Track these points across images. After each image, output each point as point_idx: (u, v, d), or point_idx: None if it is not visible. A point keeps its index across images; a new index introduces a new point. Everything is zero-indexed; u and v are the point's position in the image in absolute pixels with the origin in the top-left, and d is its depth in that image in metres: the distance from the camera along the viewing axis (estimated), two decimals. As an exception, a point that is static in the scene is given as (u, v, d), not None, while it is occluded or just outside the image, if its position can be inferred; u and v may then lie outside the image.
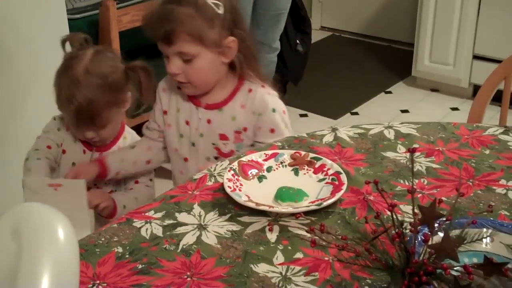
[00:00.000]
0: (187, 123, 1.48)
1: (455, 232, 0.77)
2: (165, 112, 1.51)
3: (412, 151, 0.78)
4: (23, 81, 1.94)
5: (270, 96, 1.48)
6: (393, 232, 0.72)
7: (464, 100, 3.41)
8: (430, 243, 0.73)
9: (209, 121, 1.46)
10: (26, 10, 1.86)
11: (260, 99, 1.47)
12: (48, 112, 1.57)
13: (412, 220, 0.98)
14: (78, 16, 2.14)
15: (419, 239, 0.77)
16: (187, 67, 1.40)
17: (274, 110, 1.48)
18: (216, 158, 1.48)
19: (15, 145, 1.85)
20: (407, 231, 0.78)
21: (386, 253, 0.75)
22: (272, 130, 1.48)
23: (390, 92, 3.57)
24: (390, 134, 1.38)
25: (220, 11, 1.37)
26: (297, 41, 3.16)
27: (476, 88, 3.37)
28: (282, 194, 1.15)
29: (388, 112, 3.29)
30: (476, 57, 3.32)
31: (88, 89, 1.41)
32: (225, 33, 1.39)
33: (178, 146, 1.51)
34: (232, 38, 1.40)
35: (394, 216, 0.74)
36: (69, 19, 2.00)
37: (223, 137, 1.47)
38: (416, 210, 0.77)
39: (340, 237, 0.78)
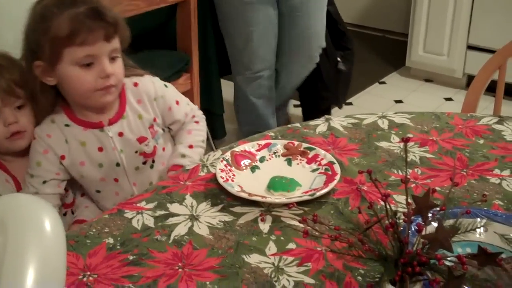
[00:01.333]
0: (100, 149, 1.38)
1: (449, 222, 0.77)
2: (62, 157, 1.37)
3: (405, 140, 0.77)
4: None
5: (154, 78, 1.46)
6: (387, 222, 0.71)
7: (458, 90, 3.40)
8: (423, 233, 0.72)
9: (121, 134, 1.38)
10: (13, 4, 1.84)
11: (148, 85, 1.43)
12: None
13: (406, 210, 0.98)
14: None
15: (413, 229, 0.76)
16: (116, 66, 1.32)
17: (166, 86, 1.47)
18: (144, 163, 1.43)
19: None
20: (401, 221, 0.77)
21: (379, 243, 0.74)
22: (177, 102, 1.47)
23: (384, 83, 3.56)
24: (384, 124, 1.37)
25: None
26: (338, 59, 2.81)
27: (470, 79, 3.37)
28: (275, 184, 1.14)
29: (382, 103, 3.28)
30: (470, 47, 3.32)
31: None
32: None
33: (103, 175, 1.41)
34: None
35: (388, 206, 0.73)
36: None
37: (142, 139, 1.41)
38: (409, 200, 0.76)
39: (333, 227, 0.77)
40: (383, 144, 1.30)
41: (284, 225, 1.05)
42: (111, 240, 1.02)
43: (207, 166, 1.23)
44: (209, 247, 1.00)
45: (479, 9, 3.22)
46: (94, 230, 1.05)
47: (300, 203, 1.08)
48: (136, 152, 1.40)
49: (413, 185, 1.15)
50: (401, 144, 1.29)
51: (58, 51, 1.27)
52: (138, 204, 1.12)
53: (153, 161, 1.44)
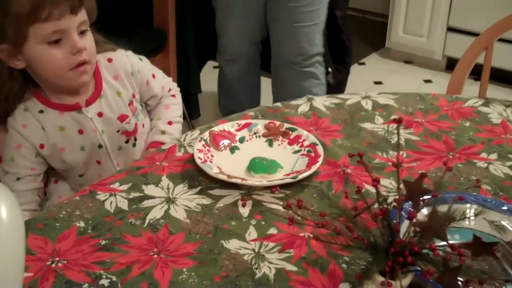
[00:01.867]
0: (81, 132, 1.29)
1: (441, 209, 0.73)
2: (41, 146, 1.28)
3: (398, 121, 0.72)
4: None
5: (127, 52, 1.38)
6: (376, 208, 0.67)
7: (438, 72, 3.38)
8: (415, 220, 0.68)
9: (100, 114, 1.30)
10: None
11: (123, 59, 1.35)
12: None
13: (394, 195, 0.94)
14: None
15: (403, 216, 0.72)
16: (87, 40, 1.22)
17: (141, 59, 1.39)
18: (126, 142, 1.35)
19: None
20: (390, 207, 0.73)
21: (368, 231, 0.70)
22: (153, 75, 1.40)
23: (363, 64, 3.52)
24: (367, 105, 1.33)
25: None
26: (329, 70, 2.51)
27: (450, 61, 3.34)
28: (255, 166, 1.09)
29: (361, 84, 3.24)
30: (450, 29, 3.28)
31: None
32: None
33: (86, 159, 1.32)
34: None
35: (378, 192, 0.69)
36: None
37: (123, 117, 1.32)
38: (400, 186, 0.72)
39: (318, 213, 0.72)
40: (367, 125, 1.26)
41: (265, 209, 1.00)
42: (82, 224, 0.97)
43: (184, 146, 1.17)
44: (186, 232, 0.95)
45: (460, -9, 3.19)
46: (64, 213, 0.99)
47: (281, 186, 1.03)
48: (118, 131, 1.32)
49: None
50: (386, 126, 1.25)
51: (22, 30, 1.17)
52: (111, 186, 1.06)
53: (135, 139, 1.36)
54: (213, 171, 1.06)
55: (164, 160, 1.13)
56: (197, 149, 1.11)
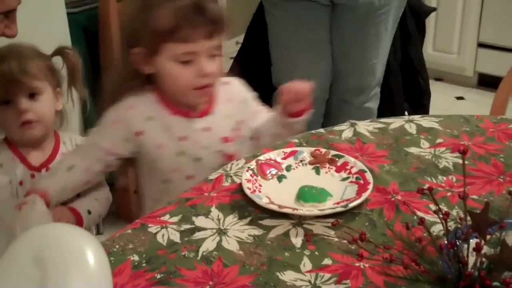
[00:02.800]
0: (182, 139, 1.31)
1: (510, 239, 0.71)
2: (137, 134, 1.31)
3: (463, 152, 0.71)
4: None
5: (241, 80, 1.41)
6: (445, 242, 0.66)
7: (469, 89, 3.35)
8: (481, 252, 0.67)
9: (206, 129, 1.33)
10: (22, 3, 1.79)
11: (237, 86, 1.39)
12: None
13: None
14: (77, 9, 2.05)
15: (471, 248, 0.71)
16: (215, 65, 1.26)
17: (248, 90, 1.42)
18: (222, 165, 1.37)
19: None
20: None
21: (434, 263, 0.69)
22: (259, 111, 1.41)
23: (393, 82, 3.50)
24: (411, 129, 1.32)
25: None
26: (406, 114, 2.36)
27: (482, 77, 3.32)
28: (305, 194, 1.08)
29: (392, 102, 3.22)
30: (480, 45, 3.27)
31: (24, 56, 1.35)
32: None
33: (179, 165, 1.33)
34: None
35: (446, 225, 0.68)
36: (68, 13, 1.93)
37: (226, 139, 1.35)
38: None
39: (382, 246, 0.72)
40: (413, 149, 1.25)
41: (318, 239, 1.00)
42: (136, 257, 0.97)
43: (231, 176, 1.17)
44: (240, 264, 0.95)
45: (489, 6, 3.17)
46: (117, 247, 1.00)
47: (332, 215, 1.03)
48: (218, 151, 1.34)
49: (449, 194, 1.10)
50: (432, 150, 1.24)
51: (157, 45, 1.22)
52: (161, 218, 1.06)
53: None
54: (263, 201, 1.06)
55: (212, 190, 1.13)
56: (245, 179, 1.11)
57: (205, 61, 1.23)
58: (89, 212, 1.40)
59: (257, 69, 2.22)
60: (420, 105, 2.48)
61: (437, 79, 3.49)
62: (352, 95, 2.19)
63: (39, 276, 0.53)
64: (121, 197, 2.37)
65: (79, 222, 1.36)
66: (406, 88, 2.38)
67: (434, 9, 2.56)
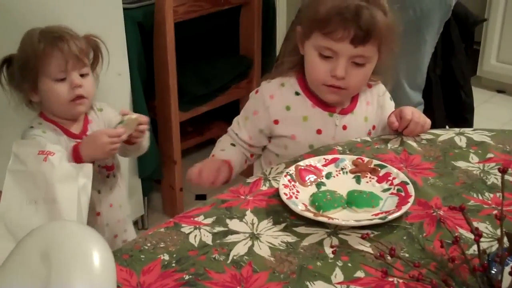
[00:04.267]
0: (319, 131, 1.31)
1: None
2: (276, 122, 1.33)
3: (503, 171, 0.67)
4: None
5: (384, 86, 1.40)
6: (478, 265, 0.62)
7: (533, 103, 3.23)
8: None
9: (344, 127, 1.32)
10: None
11: (378, 91, 1.38)
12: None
13: (490, 241, 0.88)
14: (133, 5, 2.08)
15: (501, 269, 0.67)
16: (354, 72, 1.24)
17: (391, 99, 1.41)
18: None
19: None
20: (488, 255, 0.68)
21: (466, 285, 0.65)
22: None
23: (452, 92, 3.41)
24: (461, 142, 1.27)
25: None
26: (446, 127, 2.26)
27: (546, 91, 3.18)
28: (357, 200, 1.05)
29: (450, 113, 3.13)
30: (547, 57, 3.14)
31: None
32: None
33: None
34: None
35: (478, 245, 0.64)
36: (124, 8, 1.95)
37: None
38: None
39: (412, 264, 0.68)
40: (461, 164, 1.20)
41: (352, 250, 0.96)
42: (166, 257, 0.96)
43: (269, 180, 1.16)
44: (270, 270, 0.93)
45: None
46: (149, 245, 0.99)
47: (369, 227, 1.00)
48: None
49: (495, 212, 1.05)
50: (481, 165, 1.19)
51: (309, 30, 1.25)
52: (196, 219, 1.06)
53: None
54: (298, 208, 1.03)
55: (249, 193, 1.12)
56: (283, 184, 1.09)
57: (342, 64, 1.22)
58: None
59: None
60: (462, 120, 2.34)
61: (499, 91, 3.38)
62: None
63: (45, 273, 0.53)
64: (167, 194, 2.39)
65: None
66: (447, 101, 2.29)
67: (484, 20, 2.42)
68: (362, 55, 1.22)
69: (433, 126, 1.78)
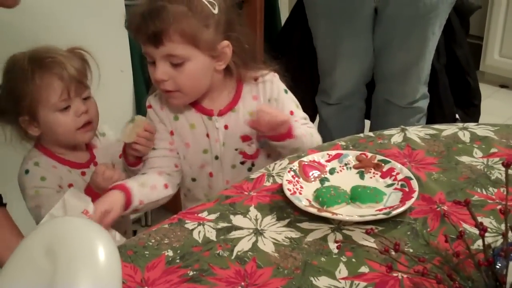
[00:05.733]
0: (208, 136, 1.31)
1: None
2: (171, 133, 1.32)
3: (507, 165, 0.67)
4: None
5: (276, 78, 1.36)
6: (483, 259, 0.62)
7: (536, 97, 3.22)
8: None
9: (226, 127, 1.31)
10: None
11: (270, 84, 1.34)
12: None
13: (495, 235, 0.88)
14: (135, 2, 2.07)
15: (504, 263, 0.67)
16: (177, 73, 1.22)
17: (286, 91, 1.37)
18: (242, 163, 1.34)
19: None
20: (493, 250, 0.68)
21: (470, 280, 0.65)
22: (291, 112, 1.35)
23: (455, 87, 3.40)
24: (465, 137, 1.27)
25: (215, 11, 1.21)
26: (457, 117, 2.25)
27: (550, 86, 3.18)
28: (361, 195, 1.05)
29: (453, 108, 3.13)
30: (550, 52, 3.13)
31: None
32: (220, 36, 1.24)
33: (204, 162, 1.34)
34: (226, 42, 1.24)
35: (483, 240, 0.64)
36: (126, 5, 1.94)
37: (245, 138, 1.32)
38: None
39: (417, 258, 0.68)
40: (465, 158, 1.19)
41: (356, 246, 0.96)
42: (170, 253, 0.96)
43: (273, 176, 1.16)
44: (274, 266, 0.93)
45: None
46: (153, 241, 0.99)
47: (373, 222, 1.00)
48: (236, 149, 1.33)
49: (499, 207, 1.04)
50: (485, 160, 1.19)
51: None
52: (199, 214, 1.06)
53: (253, 164, 1.35)
54: (302, 203, 1.03)
55: (252, 189, 1.12)
56: (286, 180, 1.09)
57: (157, 67, 1.22)
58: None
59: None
60: (472, 106, 2.31)
61: (502, 86, 3.37)
62: (396, 97, 2.12)
63: (50, 268, 0.53)
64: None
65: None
66: (455, 89, 2.26)
67: (478, 7, 2.41)
68: (171, 54, 1.20)
69: (442, 115, 1.78)
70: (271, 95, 1.34)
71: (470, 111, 2.28)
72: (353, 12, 1.99)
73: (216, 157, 1.32)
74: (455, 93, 2.24)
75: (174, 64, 1.22)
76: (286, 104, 1.35)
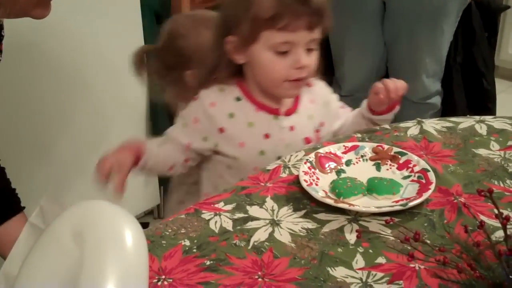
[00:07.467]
0: (267, 136, 1.28)
1: None
2: (221, 130, 1.28)
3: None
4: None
5: (322, 82, 1.38)
6: (505, 249, 0.62)
7: (551, 93, 3.20)
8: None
9: (292, 128, 1.30)
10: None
11: (320, 88, 1.36)
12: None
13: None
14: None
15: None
16: (310, 58, 1.22)
17: (331, 92, 1.39)
18: None
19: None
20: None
21: (491, 269, 0.65)
22: (342, 106, 1.40)
23: (469, 82, 3.39)
24: (482, 129, 1.26)
25: None
26: None
27: None
28: (378, 187, 1.05)
29: (467, 103, 3.12)
30: None
31: None
32: None
33: (260, 164, 1.26)
34: None
35: (505, 229, 0.64)
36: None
37: (307, 140, 1.31)
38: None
39: (437, 247, 0.68)
40: (482, 151, 1.19)
41: (373, 237, 0.96)
42: (187, 242, 0.97)
43: (289, 167, 1.16)
44: (290, 256, 0.93)
45: None
46: (170, 231, 1.00)
47: (390, 213, 0.99)
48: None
49: (515, 199, 1.04)
50: (502, 152, 1.18)
51: (256, 33, 1.19)
52: (216, 205, 1.06)
53: None
54: (319, 194, 1.03)
55: (268, 180, 1.12)
56: (303, 171, 1.09)
57: (303, 53, 1.20)
58: None
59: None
60: (485, 109, 2.32)
61: (517, 82, 3.35)
62: (408, 91, 2.11)
63: (78, 252, 0.53)
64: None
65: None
66: (469, 90, 2.25)
67: (507, 7, 2.39)
68: (315, 38, 1.21)
69: (455, 114, 1.76)
70: (327, 97, 1.36)
71: (483, 114, 2.23)
72: (360, 5, 2.00)
73: (279, 157, 1.25)
74: (469, 94, 2.22)
75: (309, 50, 1.22)
76: (336, 105, 1.39)
